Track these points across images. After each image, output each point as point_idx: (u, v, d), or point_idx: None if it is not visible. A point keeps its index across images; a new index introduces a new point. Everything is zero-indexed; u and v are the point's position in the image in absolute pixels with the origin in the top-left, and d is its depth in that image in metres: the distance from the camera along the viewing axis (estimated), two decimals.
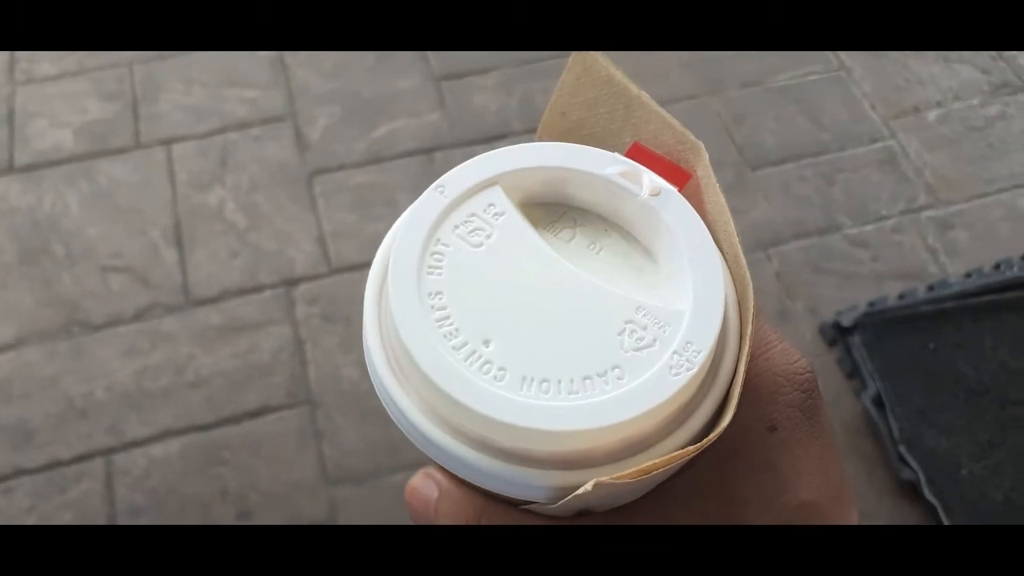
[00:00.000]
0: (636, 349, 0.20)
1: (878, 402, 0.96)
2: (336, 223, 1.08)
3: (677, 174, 0.23)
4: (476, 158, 0.22)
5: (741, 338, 0.21)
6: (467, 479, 0.21)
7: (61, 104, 1.17)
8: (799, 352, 0.23)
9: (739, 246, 0.21)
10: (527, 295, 0.20)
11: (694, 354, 0.20)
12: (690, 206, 0.22)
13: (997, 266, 1.07)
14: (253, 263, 1.05)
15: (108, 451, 0.92)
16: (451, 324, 0.20)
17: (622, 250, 0.23)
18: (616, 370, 0.19)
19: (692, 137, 0.22)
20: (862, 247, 1.10)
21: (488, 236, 0.21)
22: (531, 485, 0.19)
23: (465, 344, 0.20)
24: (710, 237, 0.21)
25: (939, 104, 1.24)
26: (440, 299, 0.20)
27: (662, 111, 0.23)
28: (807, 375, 0.22)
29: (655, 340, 0.20)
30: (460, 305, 0.20)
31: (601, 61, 0.24)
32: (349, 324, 1.01)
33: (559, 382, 0.19)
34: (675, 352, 0.20)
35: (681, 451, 0.19)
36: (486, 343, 0.20)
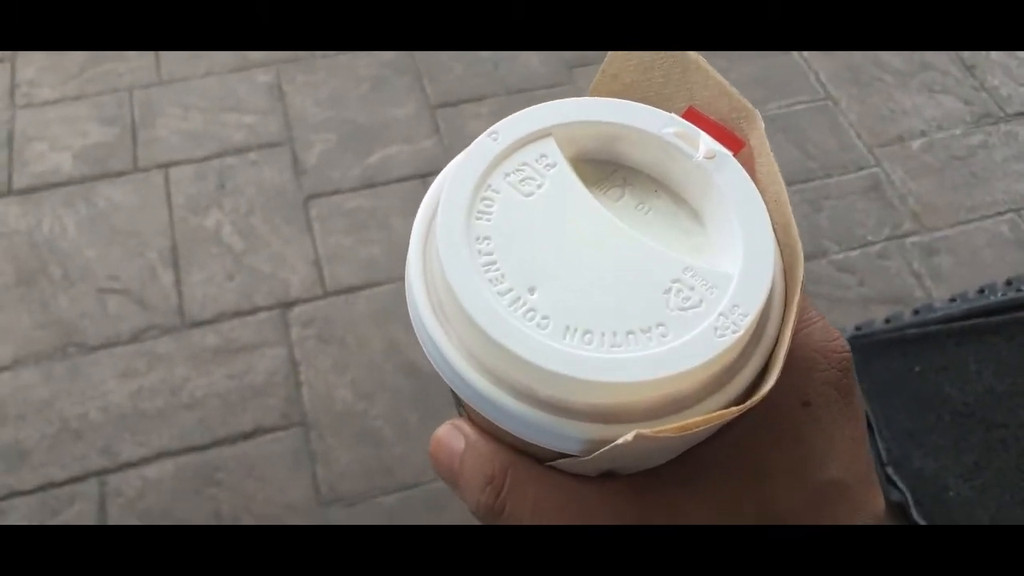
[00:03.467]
0: (682, 308, 0.20)
1: (866, 424, 0.98)
2: (331, 246, 1.09)
3: (730, 141, 0.22)
4: (531, 108, 0.22)
5: (786, 307, 0.21)
6: (502, 426, 0.20)
7: (61, 128, 1.18)
8: (836, 330, 0.22)
9: (791, 215, 0.21)
10: (575, 247, 0.20)
11: (740, 317, 0.20)
12: (744, 172, 0.22)
13: (981, 291, 1.08)
14: (249, 285, 1.06)
15: (102, 472, 0.93)
16: (497, 269, 0.20)
17: (670, 211, 0.23)
18: (660, 327, 0.20)
19: (748, 105, 0.22)
20: (848, 272, 1.12)
21: (539, 186, 0.21)
22: (566, 436, 0.20)
23: (510, 290, 0.20)
24: (762, 203, 0.21)
25: (923, 133, 1.27)
26: (488, 244, 0.20)
27: (719, 77, 0.23)
28: (844, 354, 0.22)
29: (701, 301, 0.20)
30: (507, 251, 0.20)
31: None
32: (343, 346, 1.02)
33: (602, 335, 0.19)
34: (721, 314, 0.20)
35: (722, 411, 0.19)
36: (531, 291, 0.20)
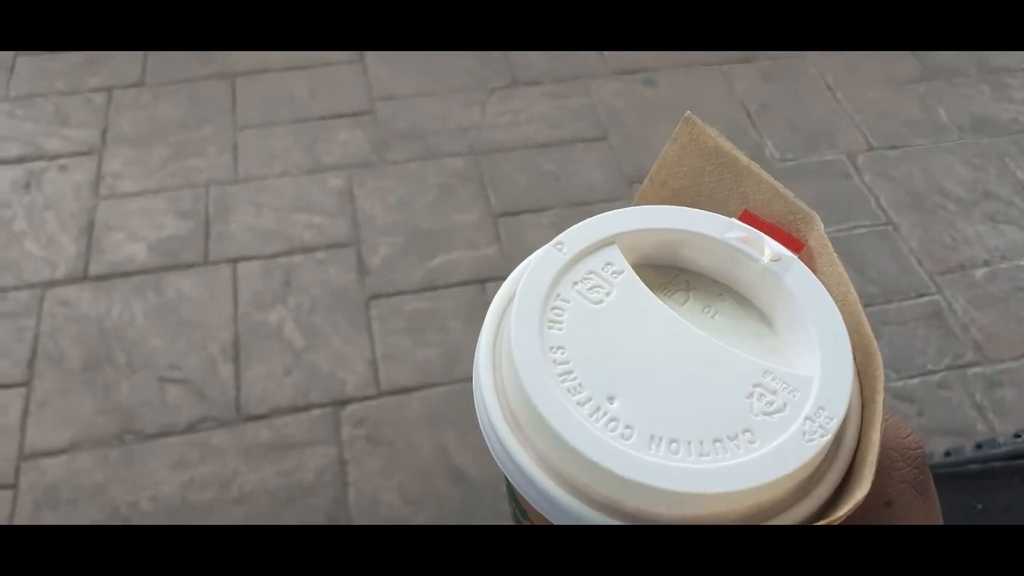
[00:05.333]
0: (766, 413, 0.19)
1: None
2: (389, 347, 1.11)
3: (790, 242, 0.23)
4: (594, 218, 0.23)
5: (864, 407, 0.21)
6: None
7: (139, 219, 1.23)
8: (908, 426, 0.22)
9: (861, 314, 0.21)
10: (650, 353, 0.20)
11: (827, 420, 0.19)
12: (812, 273, 0.22)
13: None
14: (306, 382, 1.07)
15: None
16: (574, 379, 0.20)
17: (737, 314, 0.23)
18: (747, 434, 0.19)
19: (804, 207, 0.23)
20: (908, 401, 1.10)
21: (607, 293, 0.21)
22: None
23: (589, 400, 0.19)
24: (833, 304, 0.21)
25: (986, 263, 1.26)
26: (562, 353, 0.20)
27: (773, 181, 0.23)
28: (918, 450, 0.22)
29: (785, 405, 0.20)
30: (583, 360, 0.20)
31: (709, 132, 0.24)
32: (393, 448, 1.02)
33: (688, 443, 0.19)
34: (807, 418, 0.19)
35: (828, 520, 0.18)
36: (611, 400, 0.19)
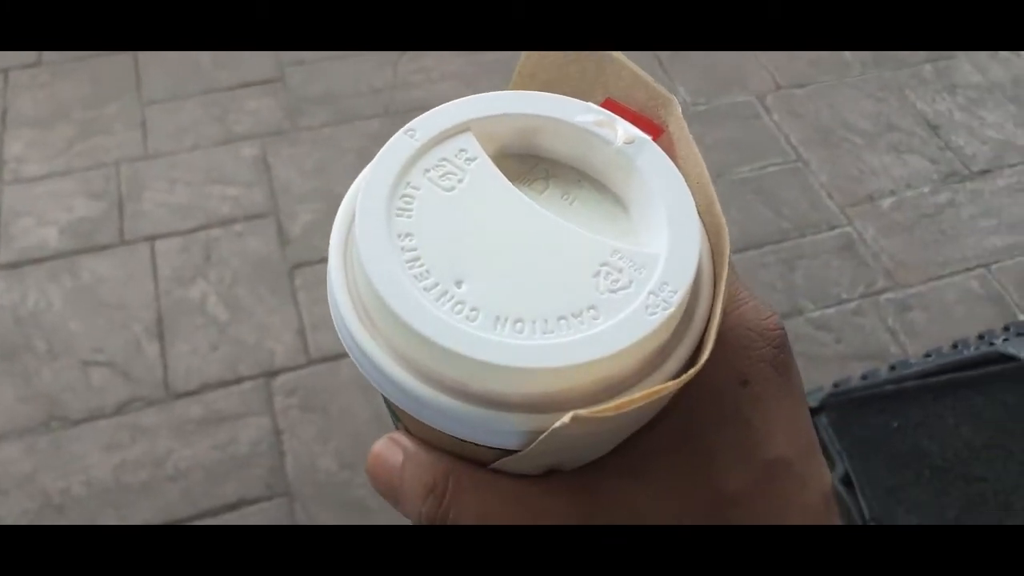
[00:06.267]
0: (612, 291, 0.20)
1: (847, 481, 0.99)
2: (316, 315, 1.11)
3: (649, 127, 0.23)
4: (448, 104, 0.22)
5: (715, 285, 0.21)
6: (436, 426, 0.20)
7: (47, 203, 1.20)
8: (770, 309, 0.23)
9: (714, 195, 0.21)
10: (500, 238, 0.20)
11: (670, 294, 0.20)
12: (664, 154, 0.22)
13: (955, 346, 1.10)
14: (233, 355, 1.07)
15: None
16: (421, 265, 0.20)
17: (595, 200, 0.23)
18: (591, 311, 0.19)
19: (664, 92, 0.23)
20: (825, 330, 1.14)
21: (460, 180, 0.21)
22: (503, 430, 0.19)
23: (436, 285, 0.19)
24: (684, 184, 0.21)
25: (892, 192, 1.31)
26: (410, 240, 0.20)
27: (634, 67, 0.23)
28: (778, 331, 0.22)
29: (631, 282, 0.20)
30: (431, 247, 0.20)
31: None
32: (327, 414, 1.03)
33: (533, 322, 0.19)
34: (651, 292, 0.20)
35: (659, 387, 0.18)
36: (458, 284, 0.19)
